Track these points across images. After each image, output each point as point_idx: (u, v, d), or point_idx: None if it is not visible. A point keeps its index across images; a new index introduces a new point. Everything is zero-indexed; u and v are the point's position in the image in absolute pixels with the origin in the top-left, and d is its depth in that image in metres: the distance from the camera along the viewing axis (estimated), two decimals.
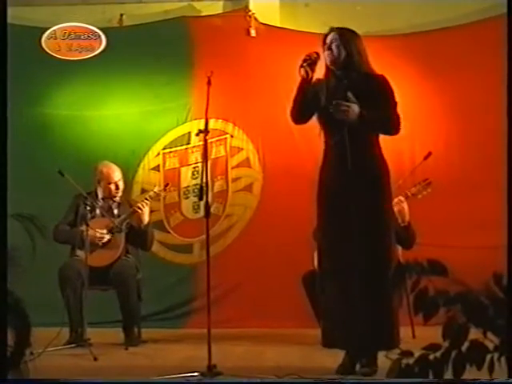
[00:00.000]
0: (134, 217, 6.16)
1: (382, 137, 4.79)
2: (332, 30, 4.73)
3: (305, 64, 4.62)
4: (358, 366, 4.74)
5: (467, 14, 7.06)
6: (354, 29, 4.81)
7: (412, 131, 6.97)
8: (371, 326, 4.62)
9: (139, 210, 6.12)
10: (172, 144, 7.23)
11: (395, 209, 5.71)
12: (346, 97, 4.60)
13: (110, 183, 6.24)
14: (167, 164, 7.22)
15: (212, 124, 6.71)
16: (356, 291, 4.61)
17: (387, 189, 4.77)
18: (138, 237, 6.22)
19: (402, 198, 6.00)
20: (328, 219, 4.78)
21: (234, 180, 7.21)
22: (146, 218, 6.17)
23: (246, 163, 7.20)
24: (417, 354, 2.50)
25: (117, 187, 6.25)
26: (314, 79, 4.71)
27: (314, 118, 4.82)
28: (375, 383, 4.11)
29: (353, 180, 4.63)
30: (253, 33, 7.10)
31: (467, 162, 6.93)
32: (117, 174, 6.27)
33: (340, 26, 4.79)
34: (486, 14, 6.91)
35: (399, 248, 5.75)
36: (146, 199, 6.25)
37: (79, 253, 6.03)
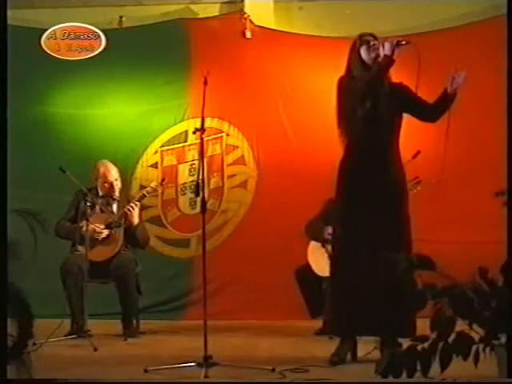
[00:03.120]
0: (127, 216, 6.26)
1: None
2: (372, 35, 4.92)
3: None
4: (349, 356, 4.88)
5: (465, 15, 7.12)
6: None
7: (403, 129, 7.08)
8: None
9: (129, 212, 6.20)
10: (170, 142, 7.30)
11: None
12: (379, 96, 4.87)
13: (105, 182, 6.32)
14: (165, 161, 7.30)
15: (208, 123, 6.80)
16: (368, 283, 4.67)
17: (405, 185, 4.92)
18: (131, 235, 6.31)
19: None
20: (347, 211, 4.81)
21: (230, 177, 7.29)
22: (135, 220, 6.25)
23: (241, 161, 7.29)
24: (405, 345, 2.65)
25: (112, 186, 6.32)
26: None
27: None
28: (371, 383, 4.18)
29: (377, 175, 4.77)
30: (248, 35, 7.17)
31: (461, 158, 6.97)
32: (113, 173, 6.35)
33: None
34: (485, 15, 6.98)
35: None
36: (144, 195, 6.34)
37: (80, 248, 6.12)
